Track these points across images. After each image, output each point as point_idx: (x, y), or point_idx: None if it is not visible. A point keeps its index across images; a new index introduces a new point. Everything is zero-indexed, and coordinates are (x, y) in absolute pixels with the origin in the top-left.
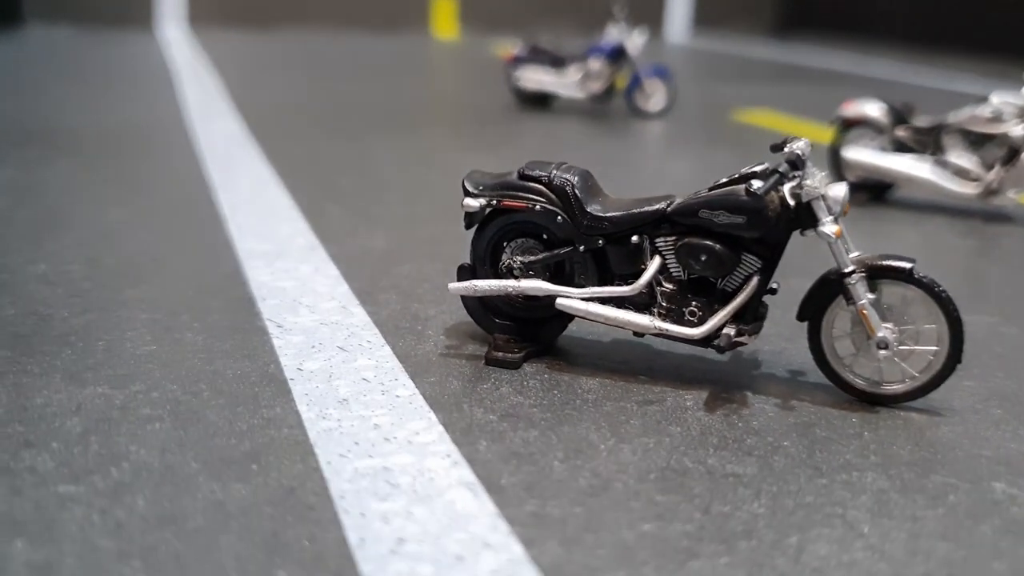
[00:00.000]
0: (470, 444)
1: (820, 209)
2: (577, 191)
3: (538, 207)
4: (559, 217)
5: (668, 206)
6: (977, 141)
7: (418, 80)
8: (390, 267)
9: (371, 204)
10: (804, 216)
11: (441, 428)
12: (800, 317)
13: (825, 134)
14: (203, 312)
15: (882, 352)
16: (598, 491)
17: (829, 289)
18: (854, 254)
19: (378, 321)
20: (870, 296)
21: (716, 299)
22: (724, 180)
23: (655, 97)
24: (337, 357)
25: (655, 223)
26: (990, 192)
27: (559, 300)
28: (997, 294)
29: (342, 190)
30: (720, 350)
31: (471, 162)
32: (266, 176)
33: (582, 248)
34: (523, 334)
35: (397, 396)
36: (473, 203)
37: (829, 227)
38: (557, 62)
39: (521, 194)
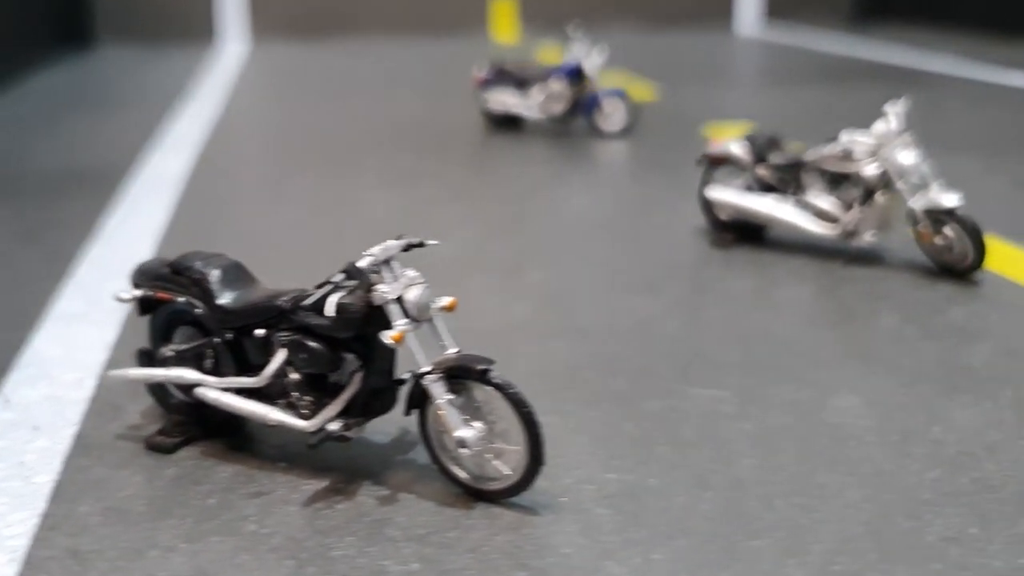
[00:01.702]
0: (45, 541)
1: (393, 313)
2: (212, 283)
3: (182, 299)
4: (197, 309)
5: (288, 303)
6: (834, 180)
7: (433, 93)
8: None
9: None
10: (380, 319)
11: (37, 522)
12: (405, 412)
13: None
14: None
15: (463, 451)
16: None
17: (417, 388)
18: (450, 350)
19: (98, 396)
20: (449, 396)
21: (327, 393)
22: (327, 279)
23: (614, 117)
24: (22, 437)
25: (277, 318)
26: (848, 234)
27: (196, 389)
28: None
29: (225, 240)
30: (314, 445)
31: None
32: (152, 225)
33: (216, 340)
34: (199, 418)
35: (33, 483)
36: (126, 295)
37: (390, 333)
38: (521, 84)
39: (170, 286)
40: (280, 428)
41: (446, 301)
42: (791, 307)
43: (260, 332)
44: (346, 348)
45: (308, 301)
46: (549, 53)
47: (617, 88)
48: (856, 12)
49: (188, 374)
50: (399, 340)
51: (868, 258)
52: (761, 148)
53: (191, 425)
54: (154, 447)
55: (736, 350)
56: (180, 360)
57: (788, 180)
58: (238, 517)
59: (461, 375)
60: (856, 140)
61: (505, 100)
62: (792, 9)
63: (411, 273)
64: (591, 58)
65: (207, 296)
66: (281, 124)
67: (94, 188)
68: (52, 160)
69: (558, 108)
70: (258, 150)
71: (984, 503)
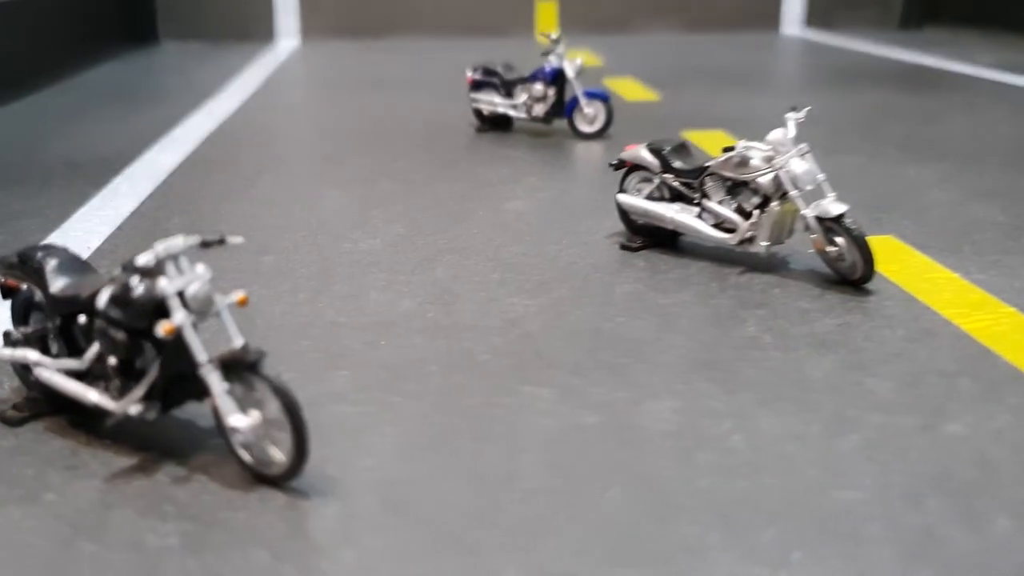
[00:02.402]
0: None
1: (173, 306)
2: (47, 272)
3: (25, 286)
4: (36, 296)
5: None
6: (733, 188)
7: (449, 92)
8: None
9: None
10: (165, 312)
11: None
12: (199, 400)
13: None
14: None
15: (237, 437)
16: None
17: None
18: (235, 343)
19: None
20: (226, 386)
21: (133, 378)
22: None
23: (594, 118)
24: None
25: (94, 305)
26: (744, 241)
27: (35, 369)
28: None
29: (172, 233)
30: (112, 425)
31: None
32: (114, 217)
33: (49, 324)
34: (51, 395)
35: None
36: None
37: (162, 324)
38: (507, 86)
39: (18, 273)
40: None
41: (236, 296)
42: (662, 312)
43: (82, 319)
44: (146, 337)
45: (104, 293)
46: (581, 55)
47: (598, 90)
48: (906, 16)
49: (30, 355)
50: (170, 332)
51: (770, 266)
52: (668, 155)
53: (42, 402)
54: (1, 419)
55: (582, 351)
56: (26, 342)
57: (693, 187)
58: (43, 487)
59: (233, 366)
60: (752, 147)
61: (492, 100)
62: (840, 12)
63: (199, 269)
64: (572, 62)
65: (42, 284)
66: (285, 120)
67: (86, 179)
68: (62, 149)
69: (540, 109)
70: (250, 146)
71: (738, 514)
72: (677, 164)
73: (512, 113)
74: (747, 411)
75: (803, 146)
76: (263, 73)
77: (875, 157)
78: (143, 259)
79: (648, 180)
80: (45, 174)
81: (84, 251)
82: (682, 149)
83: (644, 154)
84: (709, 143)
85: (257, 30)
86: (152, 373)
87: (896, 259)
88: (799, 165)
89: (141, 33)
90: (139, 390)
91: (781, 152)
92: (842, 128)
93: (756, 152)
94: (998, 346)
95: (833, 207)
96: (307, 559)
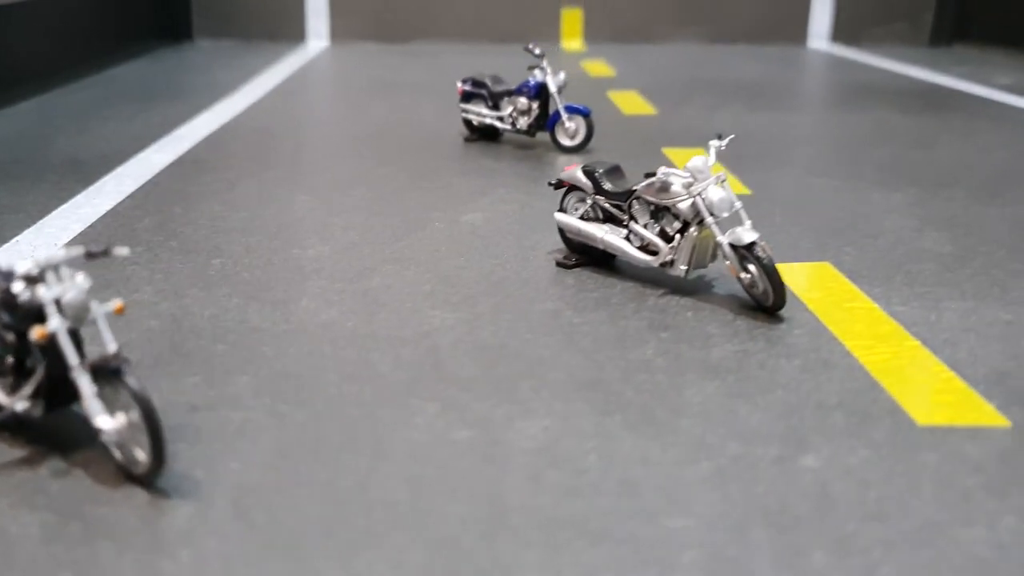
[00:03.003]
0: None
1: (49, 313)
2: None
3: None
4: None
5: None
6: (657, 212)
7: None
8: None
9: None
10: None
11: None
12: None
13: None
14: None
15: (104, 439)
16: None
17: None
18: (109, 348)
19: None
20: (94, 388)
21: (24, 377)
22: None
23: (575, 132)
24: None
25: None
26: (665, 264)
27: None
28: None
29: (138, 236)
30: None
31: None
32: (89, 215)
33: None
34: None
35: None
36: None
37: (36, 329)
38: (494, 97)
39: None
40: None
41: (113, 305)
42: (570, 331)
43: None
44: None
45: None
46: (595, 65)
47: (579, 106)
48: (936, 33)
49: None
50: (43, 337)
51: (693, 289)
52: (600, 177)
53: None
54: None
55: (480, 367)
56: None
57: (623, 209)
58: None
59: (100, 371)
60: (672, 173)
61: (480, 112)
62: (868, 27)
63: (78, 278)
64: (555, 77)
65: None
66: (287, 122)
67: (77, 176)
68: (67, 146)
69: (524, 122)
70: (244, 147)
71: (562, 534)
72: (608, 186)
73: (498, 125)
74: (612, 433)
75: (721, 174)
76: (283, 74)
77: (848, 180)
78: (24, 267)
79: (584, 200)
80: (42, 170)
81: (51, 248)
82: (615, 172)
83: (579, 175)
84: (689, 158)
85: (289, 30)
86: (38, 373)
87: (822, 287)
88: (716, 192)
89: (176, 30)
90: (27, 388)
91: (699, 179)
92: (827, 149)
93: (676, 178)
94: (887, 380)
95: (745, 235)
96: (148, 556)
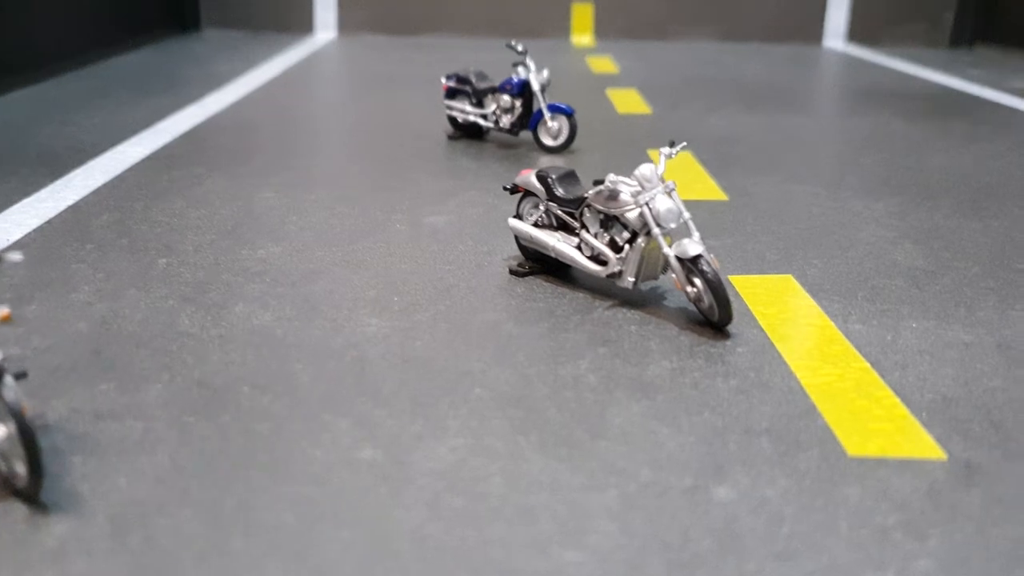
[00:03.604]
0: None
1: None
2: None
3: None
4: None
5: None
6: (607, 221)
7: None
8: None
9: None
10: None
11: None
12: None
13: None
14: None
15: None
16: None
17: None
18: None
19: None
20: None
21: None
22: None
23: (558, 132)
24: None
25: None
26: (613, 275)
27: None
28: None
29: (88, 235)
30: None
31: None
32: (44, 211)
33: None
34: None
35: None
36: None
37: None
38: (478, 95)
39: None
40: None
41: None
42: (506, 343)
43: None
44: None
45: None
46: (602, 63)
47: (562, 105)
48: (957, 34)
49: None
50: None
51: (643, 301)
52: (554, 183)
53: None
54: None
55: (404, 381)
56: None
57: (575, 216)
58: None
59: None
60: (620, 181)
61: (464, 109)
62: (886, 27)
63: None
64: (539, 75)
65: None
66: (273, 115)
67: (49, 169)
68: (48, 138)
69: (507, 120)
70: (221, 142)
71: (444, 565)
72: (560, 192)
73: (482, 123)
74: (523, 454)
75: (670, 183)
76: (283, 66)
77: (831, 187)
78: None
79: (538, 206)
80: (16, 163)
81: (3, 243)
82: (569, 178)
83: (533, 180)
84: (673, 161)
85: (297, 21)
86: None
87: (779, 301)
88: (663, 203)
89: (183, 20)
90: None
91: (647, 188)
92: (816, 154)
93: (624, 187)
94: (825, 405)
95: (691, 247)
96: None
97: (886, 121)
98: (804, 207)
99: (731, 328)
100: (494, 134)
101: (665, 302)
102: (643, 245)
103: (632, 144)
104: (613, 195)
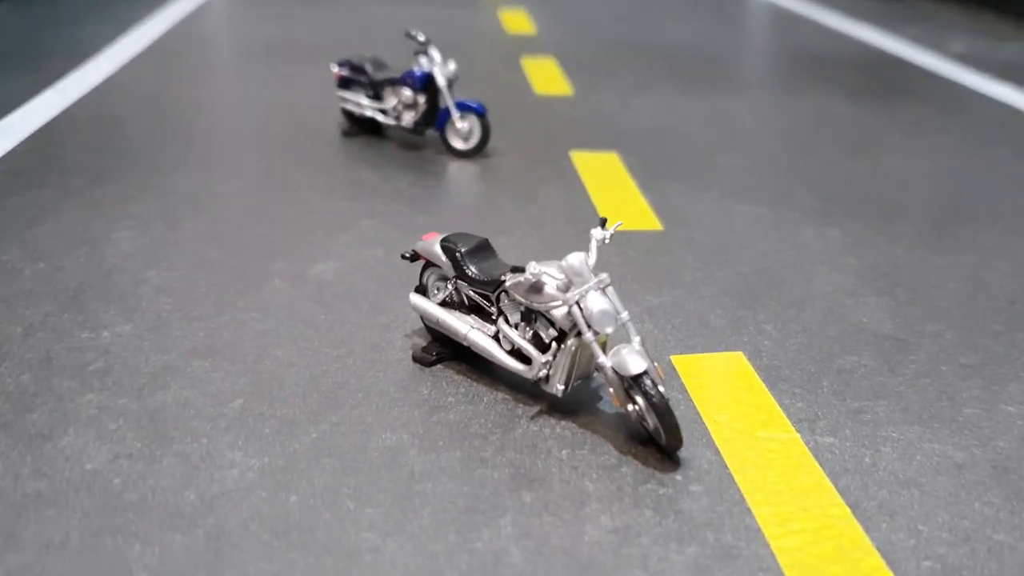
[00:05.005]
0: None
1: None
2: None
3: None
4: None
5: None
6: (529, 312)
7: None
8: None
9: None
10: None
11: None
12: None
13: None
14: None
15: None
16: None
17: None
18: None
19: None
20: None
21: None
22: None
23: (469, 133)
24: None
25: None
26: (539, 380)
27: None
28: None
29: None
30: None
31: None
32: None
33: None
34: None
35: None
36: None
37: None
38: (375, 86)
39: None
40: None
41: None
42: (405, 493)
43: None
44: None
45: None
46: (513, 16)
47: (473, 102)
48: None
49: None
50: None
51: (577, 403)
52: (463, 258)
53: None
54: None
55: (264, 557)
56: None
57: (491, 300)
58: None
59: None
60: (544, 272)
61: (360, 102)
62: None
63: None
64: (444, 67)
65: None
66: (137, 105)
67: None
68: None
69: (409, 118)
70: (78, 148)
71: None
72: (472, 271)
73: (380, 119)
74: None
75: (603, 277)
76: (159, 29)
77: (777, 207)
78: None
79: (445, 280)
80: None
81: None
82: (482, 251)
83: (437, 251)
84: (599, 169)
85: None
86: None
87: (732, 398)
88: (597, 303)
89: None
90: None
91: (576, 283)
92: (758, 156)
93: (550, 279)
94: None
95: (632, 364)
96: None
97: (828, 103)
98: (748, 238)
99: (682, 451)
100: (394, 131)
101: (599, 404)
102: (573, 348)
103: (553, 142)
104: (536, 288)
